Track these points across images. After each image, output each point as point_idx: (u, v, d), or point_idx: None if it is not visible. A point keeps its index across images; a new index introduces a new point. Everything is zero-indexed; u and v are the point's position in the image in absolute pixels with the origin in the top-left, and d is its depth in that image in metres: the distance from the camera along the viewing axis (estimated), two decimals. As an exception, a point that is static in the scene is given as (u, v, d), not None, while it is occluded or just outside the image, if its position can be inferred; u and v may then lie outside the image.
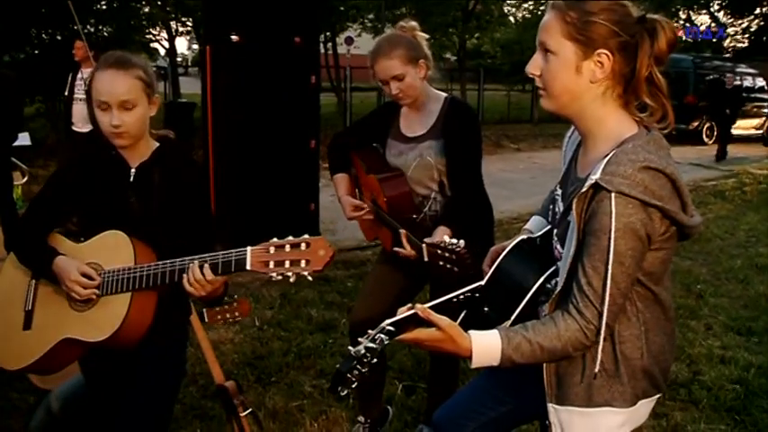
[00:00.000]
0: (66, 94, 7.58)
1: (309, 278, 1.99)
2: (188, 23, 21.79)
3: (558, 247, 1.83)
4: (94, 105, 2.21)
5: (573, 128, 1.94)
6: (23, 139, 6.76)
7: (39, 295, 2.32)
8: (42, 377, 3.24)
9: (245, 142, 6.24)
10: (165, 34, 20.73)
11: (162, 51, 25.02)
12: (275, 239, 2.01)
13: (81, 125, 7.24)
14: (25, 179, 7.52)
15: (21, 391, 3.64)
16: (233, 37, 6.15)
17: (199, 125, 10.15)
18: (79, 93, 7.31)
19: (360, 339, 1.62)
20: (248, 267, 2.01)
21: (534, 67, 1.76)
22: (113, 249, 2.21)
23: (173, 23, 21.23)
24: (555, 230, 1.89)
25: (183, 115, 12.73)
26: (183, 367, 2.49)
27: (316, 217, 6.66)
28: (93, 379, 2.46)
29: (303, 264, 1.96)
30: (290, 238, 2.00)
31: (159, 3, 17.49)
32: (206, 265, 2.07)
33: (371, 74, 2.96)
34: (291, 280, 1.99)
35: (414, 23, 2.98)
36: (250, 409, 2.85)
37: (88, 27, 13.60)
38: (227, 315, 3.13)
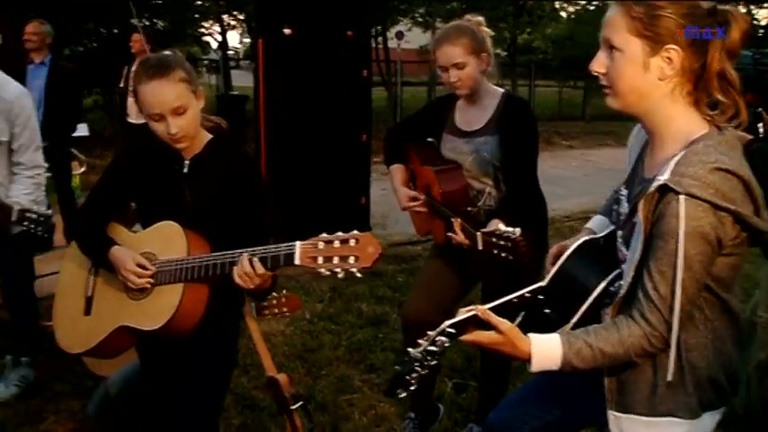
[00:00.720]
0: (121, 85, 7.72)
1: (358, 275, 1.98)
2: (239, 17, 22.00)
3: (623, 249, 1.78)
4: (146, 117, 2.22)
5: (639, 126, 1.88)
6: (82, 129, 6.90)
7: (98, 282, 2.37)
8: (98, 364, 3.31)
9: (297, 135, 6.26)
10: (217, 27, 20.99)
11: (214, 44, 25.33)
12: (324, 235, 2.01)
13: (135, 117, 7.35)
14: (83, 169, 7.68)
15: (80, 376, 3.72)
16: (285, 30, 6.17)
17: (250, 117, 10.24)
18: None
19: (419, 341, 1.60)
20: (297, 262, 2.01)
21: (599, 64, 1.70)
22: (168, 240, 2.24)
23: (225, 17, 21.45)
24: (619, 232, 1.84)
25: (236, 108, 12.86)
26: (235, 358, 2.51)
27: (366, 210, 6.66)
28: (149, 366, 2.50)
29: (352, 260, 1.95)
30: (340, 233, 1.99)
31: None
32: (255, 259, 2.07)
33: (432, 59, 2.95)
34: (340, 276, 1.98)
35: (480, 18, 2.97)
36: (301, 402, 2.86)
37: (144, 20, 13.82)
38: (276, 310, 3.15)
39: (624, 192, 1.87)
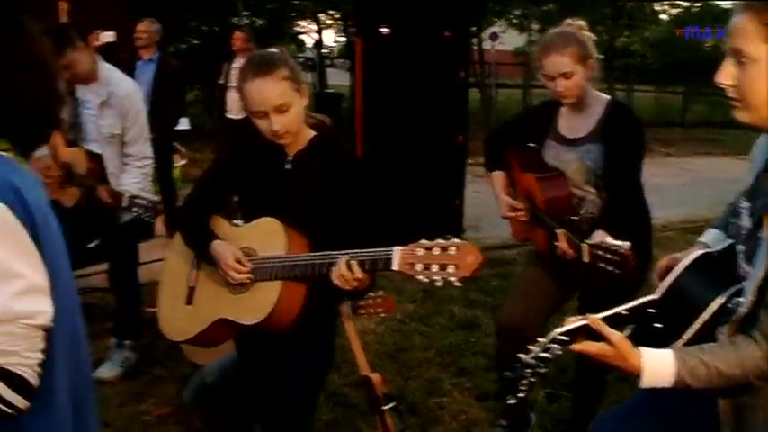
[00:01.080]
0: (220, 82, 7.93)
1: (457, 284, 1.94)
2: (335, 15, 22.25)
3: (744, 264, 1.69)
4: (250, 114, 2.24)
5: (762, 136, 1.78)
6: (184, 123, 7.11)
7: (201, 274, 2.42)
8: (195, 352, 3.40)
9: (393, 135, 6.28)
10: (314, 26, 21.30)
11: (309, 43, 25.72)
12: (424, 241, 1.98)
13: (235, 112, 7.54)
14: (184, 161, 7.91)
15: (178, 362, 3.84)
16: (383, 30, 6.20)
17: (345, 116, 10.35)
18: (233, 82, 7.63)
19: (530, 348, 1.57)
20: (395, 268, 2.00)
21: (726, 76, 1.57)
22: (268, 236, 2.26)
23: (321, 16, 21.74)
24: (740, 246, 1.75)
25: (332, 106, 13.01)
26: (331, 357, 2.52)
27: (459, 213, 6.62)
28: (246, 359, 2.54)
29: (451, 269, 1.92)
30: (440, 240, 1.96)
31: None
32: (353, 261, 2.07)
33: (538, 67, 2.88)
34: (438, 284, 1.95)
35: (581, 22, 2.89)
36: (393, 403, 2.86)
37: (244, 18, 14.17)
38: (371, 310, 3.16)
39: (745, 205, 1.78)
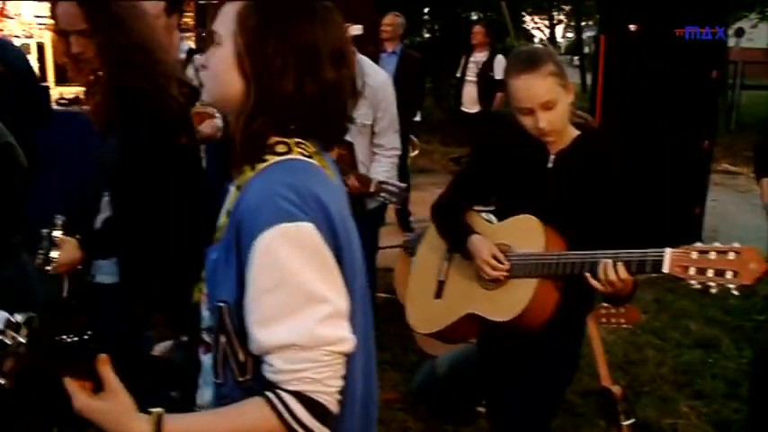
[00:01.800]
0: (458, 75, 8.01)
1: (735, 292, 1.82)
2: (566, 11, 21.69)
3: None
4: (515, 110, 2.22)
5: None
6: (416, 115, 7.27)
7: (452, 268, 2.43)
8: (428, 342, 3.46)
9: (633, 136, 5.98)
10: (545, 21, 20.95)
11: (538, 38, 25.31)
12: (699, 244, 1.90)
13: (470, 106, 7.60)
14: (416, 152, 8.10)
15: (405, 349, 3.94)
16: (631, 26, 5.93)
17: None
18: (470, 75, 7.67)
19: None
20: (665, 270, 1.90)
21: None
22: (525, 233, 2.23)
23: (554, 12, 21.32)
24: None
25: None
26: (577, 361, 2.45)
27: (699, 222, 6.18)
28: (488, 356, 2.52)
29: (729, 275, 1.81)
30: (717, 244, 1.87)
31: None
32: (619, 263, 1.98)
33: None
34: (713, 291, 1.85)
35: None
36: (633, 420, 2.72)
37: (479, 14, 14.25)
38: (613, 319, 3.03)
39: None
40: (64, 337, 1.28)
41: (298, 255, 1.19)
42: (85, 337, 1.28)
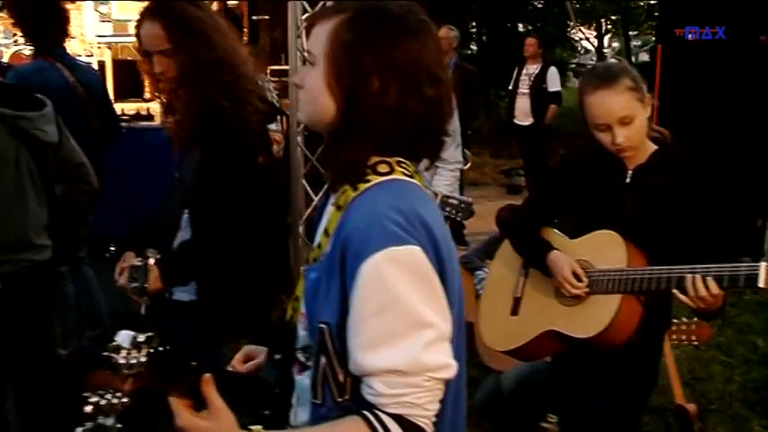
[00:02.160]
0: (510, 87, 7.98)
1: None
2: (614, 20, 21.43)
3: None
4: (591, 126, 2.21)
5: None
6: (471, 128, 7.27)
7: (528, 284, 2.41)
8: (496, 358, 3.43)
9: (692, 147, 5.88)
10: (593, 31, 20.74)
11: (583, 49, 25.04)
12: None
13: (522, 118, 7.57)
14: (468, 165, 8.08)
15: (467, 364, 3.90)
16: (689, 36, 5.84)
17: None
18: (523, 88, 7.64)
19: None
20: (761, 285, 1.88)
21: None
22: (605, 249, 2.21)
23: (602, 21, 21.09)
24: None
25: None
26: (656, 378, 2.42)
27: (761, 234, 6.04)
28: (564, 372, 2.49)
29: None
30: None
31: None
32: (709, 278, 1.95)
33: None
34: None
35: None
36: (709, 439, 2.67)
37: (526, 25, 14.20)
38: (684, 336, 2.98)
39: None
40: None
41: (406, 279, 1.18)
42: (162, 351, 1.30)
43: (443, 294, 1.23)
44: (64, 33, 3.69)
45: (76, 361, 3.69)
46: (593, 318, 2.16)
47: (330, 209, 1.35)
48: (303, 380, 1.37)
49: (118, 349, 1.24)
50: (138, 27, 2.33)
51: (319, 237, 1.37)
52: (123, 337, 1.25)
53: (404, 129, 1.26)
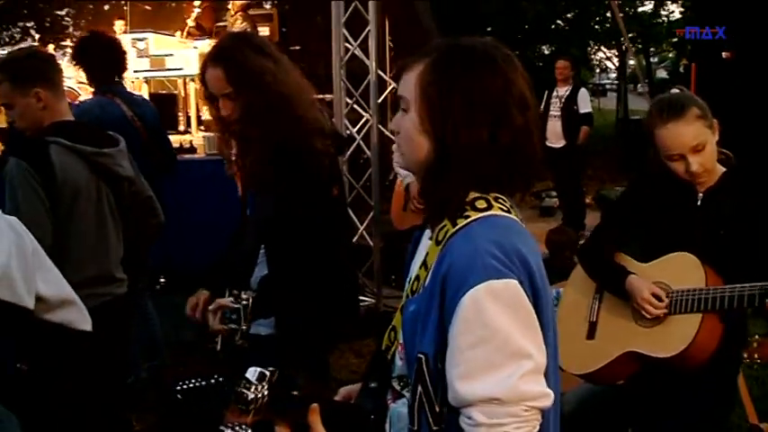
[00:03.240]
0: (541, 109, 7.98)
1: None
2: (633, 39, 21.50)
3: None
4: (664, 157, 2.25)
5: None
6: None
7: (603, 308, 2.44)
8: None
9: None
10: (615, 51, 20.83)
11: (598, 68, 25.13)
12: None
13: (554, 141, 7.56)
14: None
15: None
16: (724, 54, 5.88)
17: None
18: (554, 110, 7.65)
19: None
20: None
21: None
22: (682, 271, 2.24)
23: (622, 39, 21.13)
24: None
25: (636, 132, 12.60)
26: (733, 398, 2.43)
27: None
28: (638, 393, 2.50)
29: None
30: None
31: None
32: None
33: None
34: None
35: None
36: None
37: (551, 47, 14.26)
38: (744, 354, 2.95)
39: None
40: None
41: (505, 311, 1.23)
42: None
43: (539, 326, 1.27)
44: (122, 70, 3.79)
45: (136, 391, 3.73)
46: (675, 337, 2.19)
47: (428, 243, 1.40)
48: (398, 408, 1.42)
49: (249, 385, 1.29)
50: (202, 72, 2.36)
51: (416, 269, 1.42)
52: (252, 373, 1.31)
53: (497, 161, 1.31)
